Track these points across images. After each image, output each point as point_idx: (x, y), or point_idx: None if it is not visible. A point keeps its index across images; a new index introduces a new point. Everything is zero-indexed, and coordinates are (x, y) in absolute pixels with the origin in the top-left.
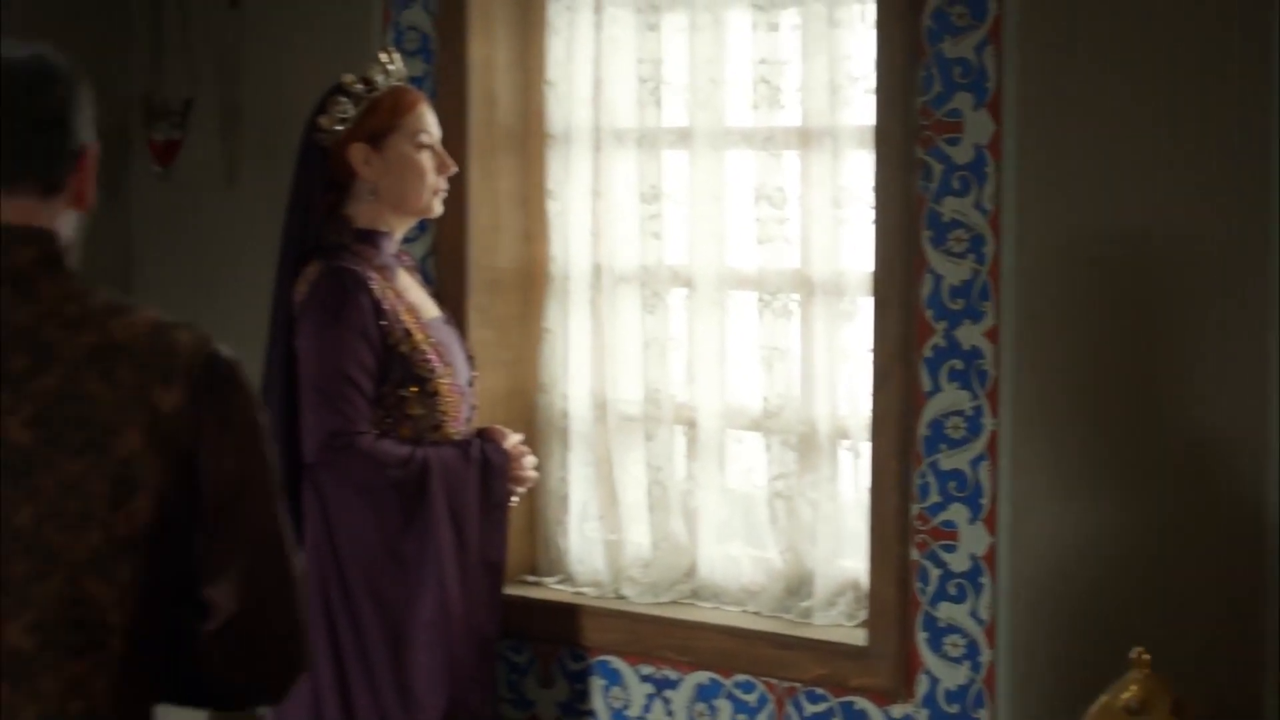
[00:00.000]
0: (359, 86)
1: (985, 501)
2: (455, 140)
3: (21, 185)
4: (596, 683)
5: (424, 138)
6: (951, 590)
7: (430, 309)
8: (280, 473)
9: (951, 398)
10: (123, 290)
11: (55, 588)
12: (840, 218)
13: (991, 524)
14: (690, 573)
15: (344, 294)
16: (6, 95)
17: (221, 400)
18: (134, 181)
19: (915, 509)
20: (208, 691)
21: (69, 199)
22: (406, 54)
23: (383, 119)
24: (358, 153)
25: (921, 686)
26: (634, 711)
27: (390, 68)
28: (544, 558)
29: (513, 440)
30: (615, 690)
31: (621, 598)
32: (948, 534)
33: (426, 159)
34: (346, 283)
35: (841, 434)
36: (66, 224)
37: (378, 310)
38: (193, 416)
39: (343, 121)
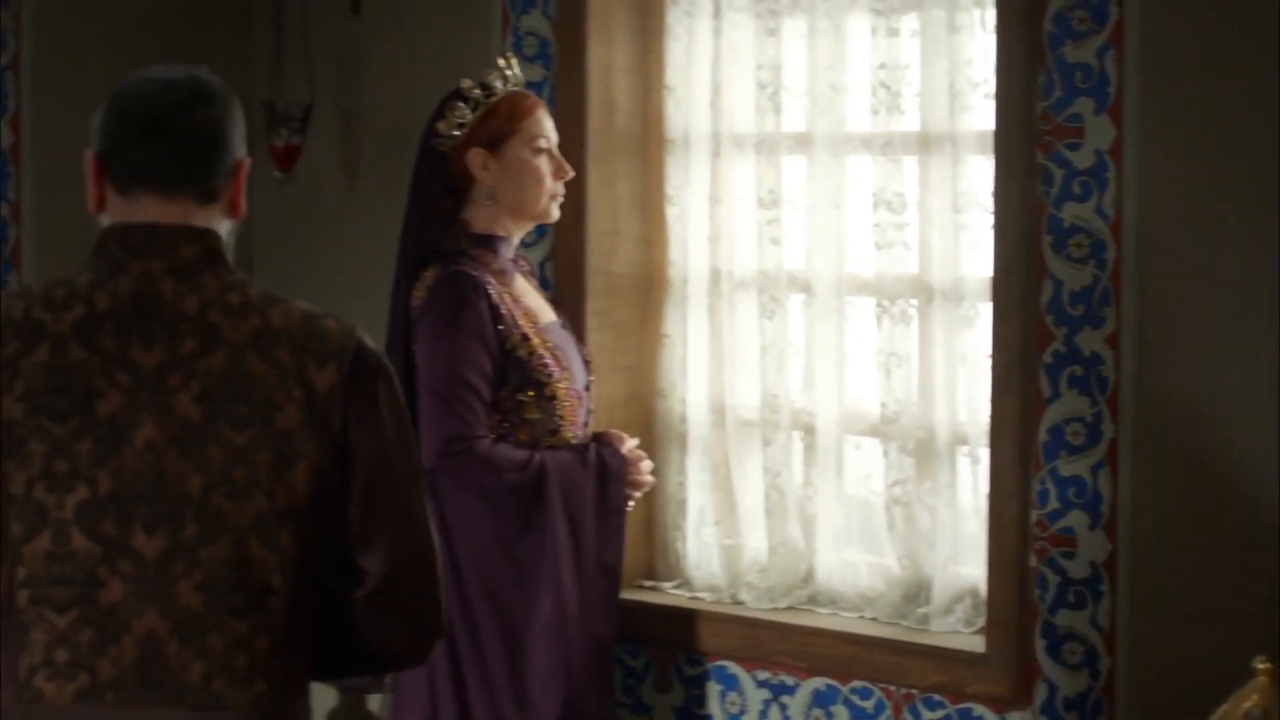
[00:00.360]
0: (477, 92)
1: (1105, 508)
2: (574, 145)
3: (181, 194)
4: (713, 688)
5: (541, 143)
6: (1070, 597)
7: (547, 314)
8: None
9: (1071, 404)
10: None
11: (222, 551)
12: (960, 223)
13: (1111, 531)
14: (807, 578)
15: (462, 299)
16: (168, 114)
17: (370, 385)
18: (254, 186)
19: (1034, 515)
20: (356, 657)
21: (224, 208)
22: (525, 59)
23: (500, 124)
24: (475, 158)
25: (1040, 694)
26: (750, 717)
27: (509, 73)
28: (661, 562)
29: (630, 445)
30: (732, 695)
31: (739, 603)
32: (1067, 541)
33: (544, 164)
34: (464, 287)
35: (960, 440)
36: (222, 229)
37: (495, 315)
38: (344, 398)
39: (460, 126)
